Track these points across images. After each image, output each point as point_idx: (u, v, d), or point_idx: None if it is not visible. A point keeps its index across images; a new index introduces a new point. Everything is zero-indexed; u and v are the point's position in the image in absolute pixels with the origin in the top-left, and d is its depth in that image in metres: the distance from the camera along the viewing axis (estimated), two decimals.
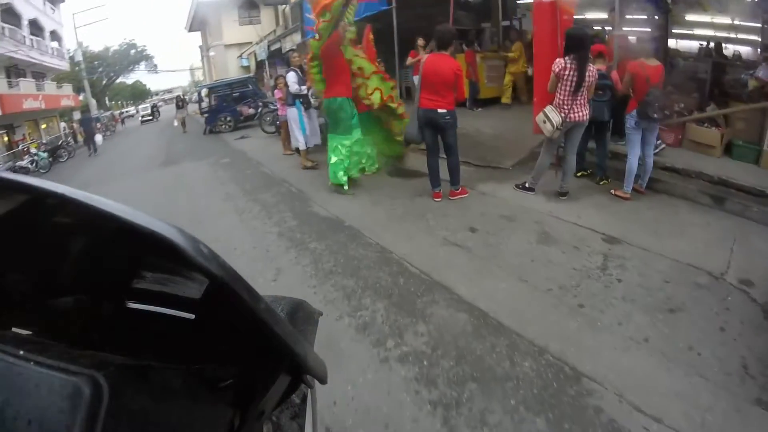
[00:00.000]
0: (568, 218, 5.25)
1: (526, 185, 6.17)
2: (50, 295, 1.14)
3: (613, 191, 5.93)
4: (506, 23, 13.89)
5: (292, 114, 8.60)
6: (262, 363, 1.10)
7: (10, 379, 0.66)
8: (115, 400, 0.66)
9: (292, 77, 8.36)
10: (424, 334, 3.35)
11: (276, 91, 10.15)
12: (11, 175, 0.73)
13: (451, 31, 5.77)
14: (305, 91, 8.46)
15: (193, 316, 1.17)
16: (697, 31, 12.76)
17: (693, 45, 11.03)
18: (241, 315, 0.84)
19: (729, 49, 10.75)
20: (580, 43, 5.21)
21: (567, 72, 5.23)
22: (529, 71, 11.36)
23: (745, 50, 10.89)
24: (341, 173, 6.64)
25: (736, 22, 10.58)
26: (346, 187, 6.69)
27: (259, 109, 16.02)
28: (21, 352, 0.69)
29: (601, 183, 6.35)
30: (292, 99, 8.55)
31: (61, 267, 1.08)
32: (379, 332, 3.40)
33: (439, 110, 5.63)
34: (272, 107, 13.31)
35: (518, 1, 14.18)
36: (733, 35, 11.09)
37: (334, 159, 6.65)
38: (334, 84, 6.51)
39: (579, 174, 6.44)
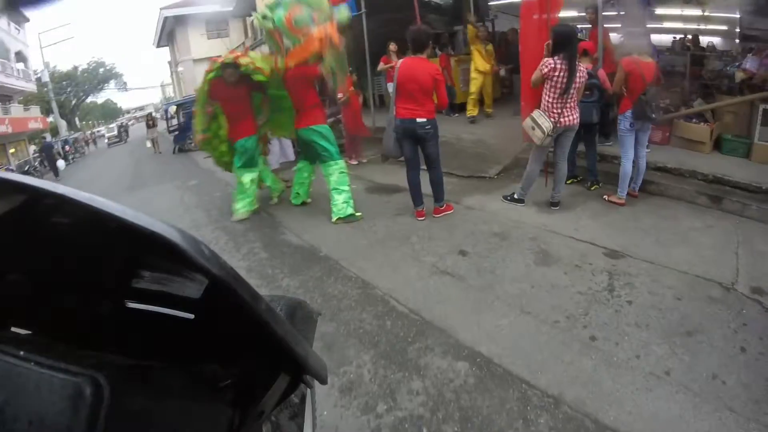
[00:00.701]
0: (565, 232, 4.88)
1: (515, 196, 5.75)
2: (49, 295, 1.12)
3: (606, 197, 5.64)
4: (479, 24, 13.54)
5: None
6: (262, 363, 1.11)
7: (10, 380, 0.66)
8: (116, 400, 0.66)
9: None
10: (420, 392, 2.84)
11: None
12: (11, 175, 0.74)
13: (426, 32, 5.22)
14: None
15: (192, 316, 1.16)
16: (671, 24, 12.67)
17: (666, 38, 10.88)
18: (241, 315, 0.85)
19: (702, 41, 10.62)
20: (568, 41, 4.81)
21: (557, 73, 4.81)
22: (501, 72, 11.02)
23: (718, 41, 10.79)
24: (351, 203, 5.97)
25: (708, 14, 10.47)
26: (358, 213, 5.96)
27: None
28: (21, 353, 0.70)
29: (593, 188, 6.06)
30: None
31: (60, 267, 1.06)
32: (368, 393, 2.88)
33: (419, 120, 5.11)
34: None
35: (490, 2, 13.92)
36: (705, 27, 10.99)
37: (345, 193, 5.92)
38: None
39: (569, 181, 6.06)
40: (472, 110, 10.08)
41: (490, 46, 9.95)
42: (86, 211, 0.68)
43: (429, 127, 5.15)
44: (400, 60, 5.30)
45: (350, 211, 5.83)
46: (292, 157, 8.48)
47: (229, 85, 5.88)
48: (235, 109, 6.12)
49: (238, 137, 6.20)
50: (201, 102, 6.23)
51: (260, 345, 1.04)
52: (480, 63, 9.76)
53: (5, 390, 0.65)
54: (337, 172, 5.83)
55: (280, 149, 8.31)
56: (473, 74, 9.87)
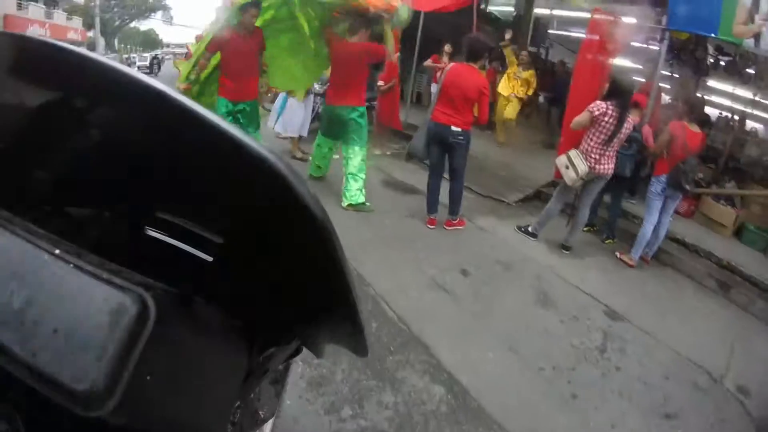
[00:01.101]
0: (571, 279, 4.76)
1: (529, 229, 5.61)
2: (69, 203, 1.02)
3: (618, 254, 5.51)
4: (533, 49, 13.41)
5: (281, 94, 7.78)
6: (284, 320, 1.07)
7: (38, 277, 0.59)
8: (159, 326, 0.59)
9: None
10: (390, 406, 2.73)
11: None
12: (85, 51, 0.68)
13: (485, 42, 5.07)
14: None
15: (210, 258, 1.04)
16: (720, 100, 12.53)
17: (712, 112, 10.75)
18: (312, 265, 0.80)
19: (747, 125, 10.50)
20: (625, 90, 4.67)
21: (606, 118, 4.67)
22: (540, 99, 10.83)
23: (762, 129, 10.67)
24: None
25: (759, 99, 10.33)
26: (368, 203, 5.77)
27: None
28: (57, 251, 0.61)
29: (607, 242, 5.92)
30: None
31: (91, 173, 0.95)
32: (336, 393, 2.76)
33: (453, 128, 4.96)
34: None
35: (549, 30, 13.80)
36: (753, 111, 10.85)
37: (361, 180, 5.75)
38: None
39: (586, 228, 5.90)
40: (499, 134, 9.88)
41: (528, 73, 9.62)
42: (178, 116, 0.64)
43: (462, 137, 5.02)
44: (451, 64, 5.15)
45: (362, 199, 5.69)
46: (305, 132, 8.05)
47: (242, 34, 5.32)
48: (240, 65, 5.46)
49: (239, 99, 5.67)
50: (200, 50, 5.44)
51: (302, 302, 0.98)
52: (502, 86, 9.57)
53: (30, 287, 0.59)
54: (359, 157, 5.67)
55: (303, 119, 7.97)
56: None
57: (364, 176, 5.72)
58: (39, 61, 0.78)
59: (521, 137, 10.27)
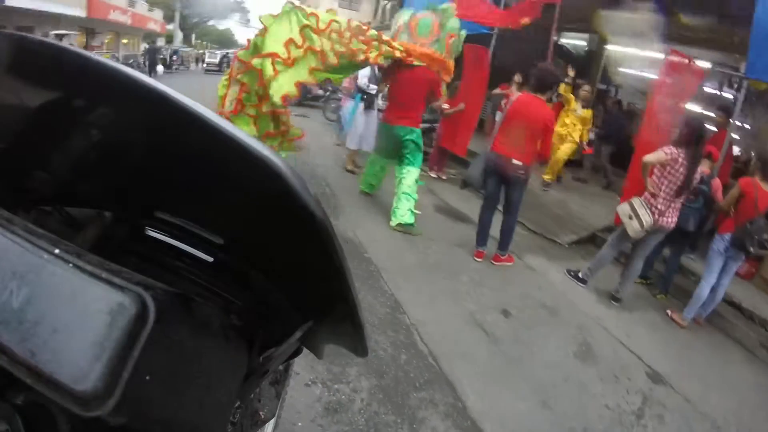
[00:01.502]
0: (616, 333, 4.49)
1: (579, 275, 5.36)
2: (69, 203, 1.05)
3: (669, 312, 5.18)
4: (603, 86, 13.08)
5: (347, 106, 8.03)
6: (283, 319, 1.07)
7: (39, 277, 0.60)
8: (158, 325, 0.60)
9: (365, 71, 7.62)
10: None
11: (345, 80, 9.70)
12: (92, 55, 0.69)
13: (554, 74, 4.95)
14: (372, 90, 7.76)
15: (211, 259, 1.10)
16: None
17: None
18: (312, 264, 0.82)
19: None
20: (699, 138, 4.41)
21: (676, 165, 4.42)
22: (591, 135, 10.44)
23: None
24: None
25: None
26: (416, 225, 5.72)
27: (327, 93, 15.33)
28: (57, 251, 0.62)
29: (659, 297, 5.59)
30: (355, 92, 7.92)
31: (92, 173, 0.97)
32: (351, 424, 2.64)
33: (515, 161, 4.77)
34: (339, 95, 12.58)
35: (621, 69, 13.46)
36: None
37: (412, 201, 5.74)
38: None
39: (638, 281, 5.62)
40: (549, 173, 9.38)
41: (587, 111, 9.26)
42: (182, 118, 0.64)
43: (522, 171, 4.84)
44: (518, 93, 5.00)
45: (412, 220, 5.62)
46: (366, 146, 7.92)
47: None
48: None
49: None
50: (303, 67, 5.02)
51: (301, 300, 1.01)
52: (559, 123, 9.15)
53: (30, 286, 0.59)
54: (413, 178, 5.64)
55: (363, 133, 8.04)
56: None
57: (415, 197, 5.67)
58: (39, 61, 0.78)
59: (569, 176, 10.03)
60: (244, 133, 0.64)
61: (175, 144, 0.77)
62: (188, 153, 0.76)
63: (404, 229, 5.58)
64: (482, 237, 5.29)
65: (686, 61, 6.18)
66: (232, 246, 1.04)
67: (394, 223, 5.60)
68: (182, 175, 0.83)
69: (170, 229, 1.10)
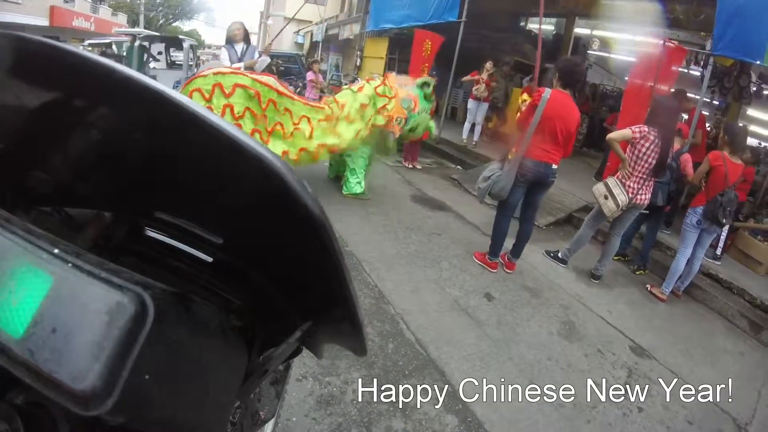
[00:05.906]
0: (598, 310, 4.58)
1: (559, 255, 5.44)
2: (69, 203, 1.05)
3: (648, 287, 5.31)
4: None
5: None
6: (284, 319, 1.07)
7: (39, 277, 0.59)
8: (157, 325, 0.60)
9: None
10: None
11: (308, 72, 9.84)
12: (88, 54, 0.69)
13: (582, 67, 4.79)
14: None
15: (210, 259, 1.08)
16: (762, 130, 12.20)
17: (752, 142, 10.48)
18: (311, 263, 0.81)
19: None
20: (669, 116, 4.47)
21: (647, 143, 4.49)
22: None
23: None
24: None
25: None
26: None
27: (298, 89, 15.29)
28: (56, 251, 0.62)
29: (638, 273, 5.73)
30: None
31: (91, 174, 0.96)
32: (344, 414, 2.65)
33: (554, 165, 4.44)
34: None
35: (589, 51, 13.62)
36: None
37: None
38: None
39: (616, 257, 5.73)
40: None
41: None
42: (177, 117, 0.64)
43: (556, 175, 4.59)
44: (549, 90, 4.40)
45: (361, 190, 6.37)
46: None
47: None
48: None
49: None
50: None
51: (302, 300, 1.01)
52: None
53: (29, 285, 0.59)
54: (361, 159, 6.35)
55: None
56: None
57: (362, 172, 6.37)
58: (39, 61, 0.78)
59: None
60: (241, 131, 0.64)
61: (175, 143, 0.77)
62: (187, 152, 0.76)
63: (355, 196, 6.32)
64: (500, 246, 4.88)
65: (662, 42, 6.28)
66: (231, 246, 1.03)
67: (345, 192, 6.38)
68: (181, 174, 0.83)
69: (170, 229, 1.09)
